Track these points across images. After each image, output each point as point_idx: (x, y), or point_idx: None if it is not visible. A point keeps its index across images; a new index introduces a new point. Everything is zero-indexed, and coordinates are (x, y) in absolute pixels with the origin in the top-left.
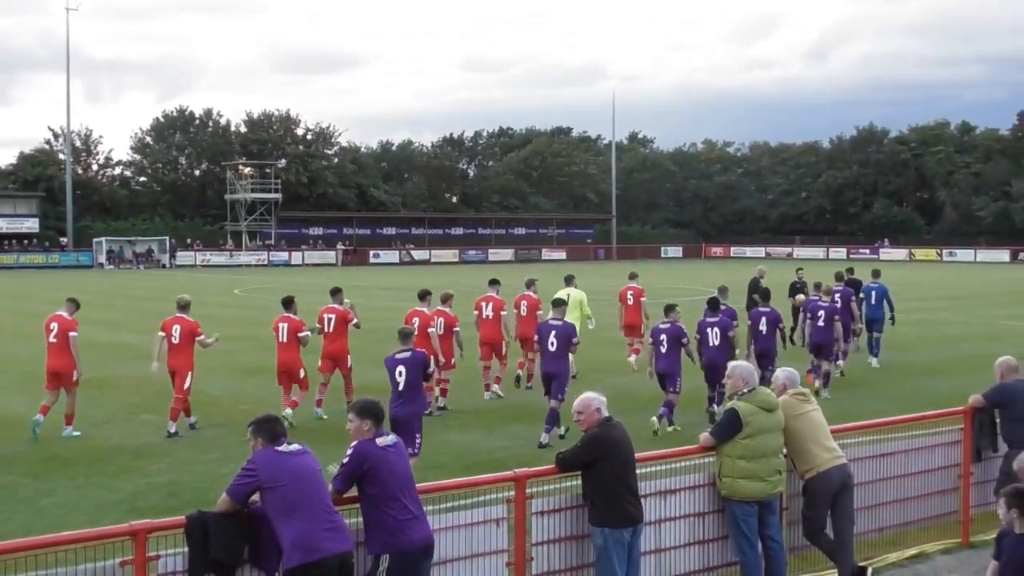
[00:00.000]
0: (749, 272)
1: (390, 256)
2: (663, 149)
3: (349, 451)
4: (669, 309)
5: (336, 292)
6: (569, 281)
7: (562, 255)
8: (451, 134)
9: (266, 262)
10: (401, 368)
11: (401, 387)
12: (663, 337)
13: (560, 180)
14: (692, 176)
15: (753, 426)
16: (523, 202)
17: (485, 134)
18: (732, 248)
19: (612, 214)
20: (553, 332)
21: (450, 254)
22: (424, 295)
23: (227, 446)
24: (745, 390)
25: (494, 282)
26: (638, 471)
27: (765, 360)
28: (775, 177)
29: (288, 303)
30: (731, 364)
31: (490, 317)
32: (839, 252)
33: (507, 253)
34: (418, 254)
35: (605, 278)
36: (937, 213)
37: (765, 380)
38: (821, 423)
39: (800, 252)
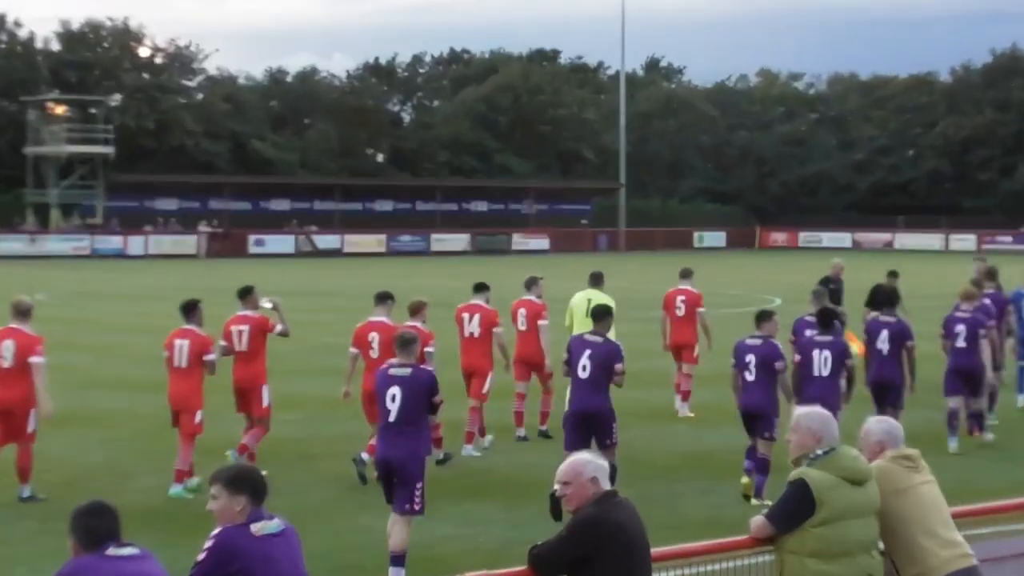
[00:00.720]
0: (824, 269)
1: (281, 243)
2: (697, 84)
3: (208, 542)
4: (763, 318)
5: (247, 293)
6: (596, 281)
7: (543, 243)
8: (376, 59)
9: (88, 251)
10: (395, 390)
11: (393, 417)
12: (751, 359)
13: (542, 130)
14: (741, 124)
15: (832, 507)
16: (485, 163)
17: (428, 59)
18: (801, 233)
19: (620, 182)
20: (588, 352)
21: (373, 241)
22: (384, 298)
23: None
24: (819, 451)
25: (481, 288)
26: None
27: (889, 394)
28: (867, 126)
29: (190, 309)
30: (797, 412)
31: (476, 335)
32: (965, 240)
33: (460, 240)
34: (324, 240)
35: (611, 280)
36: None
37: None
38: (937, 503)
39: (905, 240)
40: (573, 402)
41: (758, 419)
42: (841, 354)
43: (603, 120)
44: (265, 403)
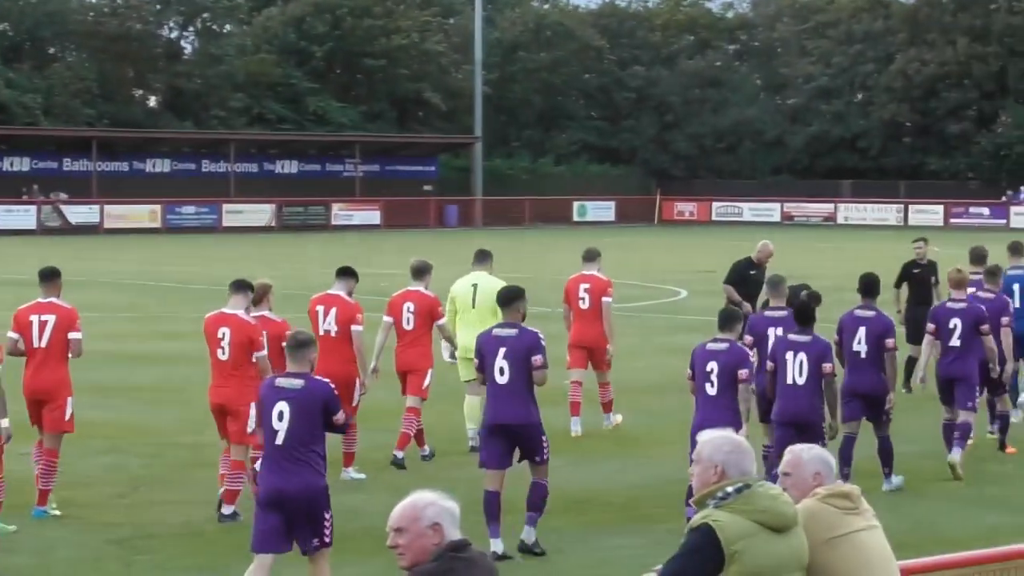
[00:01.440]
0: (743, 251)
1: (17, 216)
2: (579, 5)
3: None
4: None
5: (49, 277)
6: (483, 260)
7: (373, 216)
8: None
9: None
10: (283, 407)
11: (281, 440)
12: (712, 367)
13: (371, 65)
14: (636, 59)
15: (746, 561)
16: (295, 110)
17: None
18: (715, 203)
19: (476, 135)
20: (503, 350)
21: (144, 213)
22: (242, 287)
23: None
24: (729, 488)
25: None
26: None
27: (874, 410)
28: (803, 62)
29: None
30: (701, 438)
31: (332, 333)
32: (929, 212)
33: (261, 212)
34: (76, 212)
35: (461, 267)
36: None
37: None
38: (881, 554)
39: (852, 212)
40: (491, 413)
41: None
42: (820, 357)
43: (453, 53)
44: (67, 413)
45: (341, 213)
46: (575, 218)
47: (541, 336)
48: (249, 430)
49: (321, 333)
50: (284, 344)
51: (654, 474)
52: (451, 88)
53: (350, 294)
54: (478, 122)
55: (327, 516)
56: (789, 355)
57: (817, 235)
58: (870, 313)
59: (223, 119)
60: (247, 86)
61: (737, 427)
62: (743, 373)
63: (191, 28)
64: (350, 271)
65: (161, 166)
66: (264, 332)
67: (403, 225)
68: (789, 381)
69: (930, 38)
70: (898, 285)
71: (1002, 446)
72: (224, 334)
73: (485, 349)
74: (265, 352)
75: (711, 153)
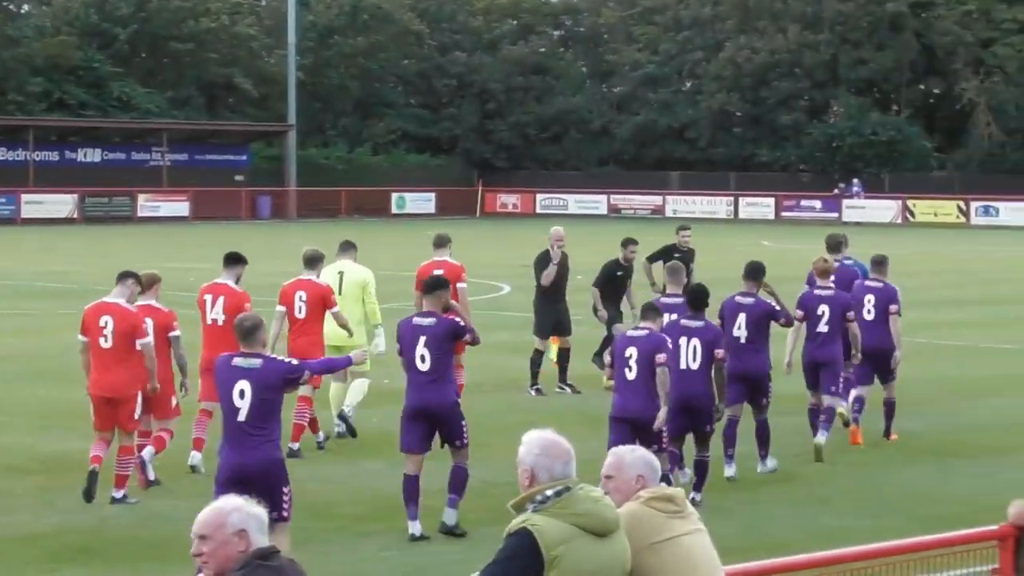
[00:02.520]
0: (567, 244)
1: None
2: None
3: None
4: (649, 310)
5: None
6: (347, 250)
7: (181, 207)
8: None
9: None
10: (244, 385)
11: (243, 416)
12: (632, 353)
13: (178, 49)
14: (457, 44)
15: (566, 567)
16: (98, 95)
17: None
18: (539, 196)
19: (289, 122)
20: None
21: None
22: (124, 277)
23: None
24: (548, 491)
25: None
26: None
27: (755, 394)
28: (630, 50)
29: None
30: (526, 438)
31: (219, 322)
32: (760, 205)
33: (62, 204)
34: None
35: (275, 261)
36: (959, 129)
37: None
38: (706, 559)
39: (681, 205)
40: (413, 398)
41: (641, 428)
42: (712, 343)
43: (265, 36)
44: None
45: (147, 204)
46: (394, 210)
47: (460, 323)
48: (136, 416)
49: (208, 322)
50: (234, 331)
51: (473, 476)
52: (263, 73)
53: (237, 281)
54: (292, 109)
55: (285, 490)
56: (683, 340)
57: (645, 228)
58: (750, 300)
59: (21, 104)
60: (46, 70)
61: (656, 410)
62: (660, 358)
63: None
64: (238, 257)
65: None
66: (150, 320)
67: (213, 217)
68: (683, 366)
69: (761, 25)
70: (653, 260)
71: (887, 433)
72: (106, 323)
73: (405, 337)
74: (150, 339)
75: (535, 143)
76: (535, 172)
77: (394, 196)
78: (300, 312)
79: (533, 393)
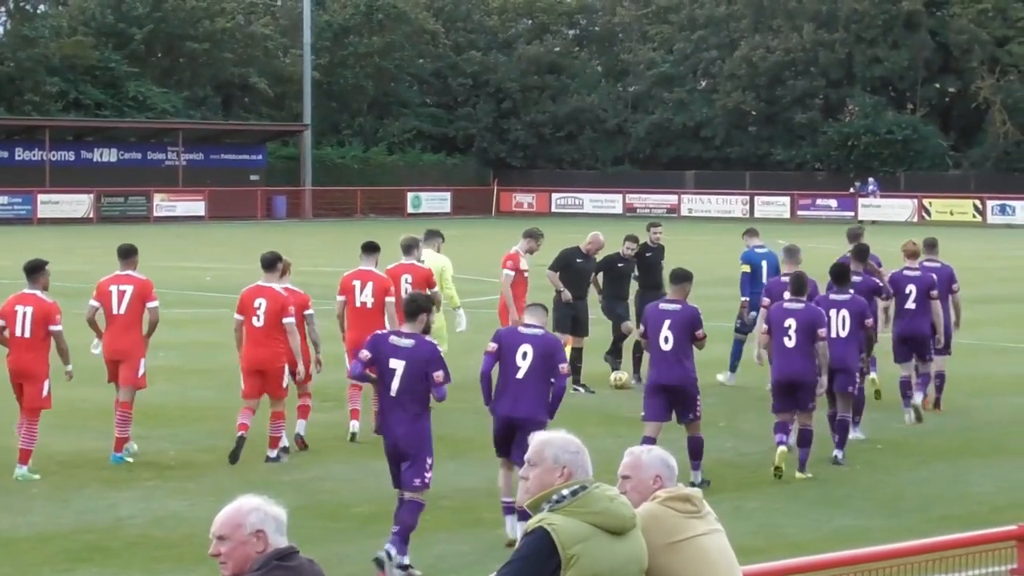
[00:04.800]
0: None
1: None
2: None
3: None
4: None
5: (127, 254)
6: (431, 239)
7: (197, 207)
8: None
9: None
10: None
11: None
12: (791, 323)
13: (193, 49)
14: (472, 44)
15: (584, 565)
16: (114, 95)
17: None
18: (555, 195)
19: (305, 122)
20: (668, 321)
21: None
22: (273, 263)
23: None
24: (565, 491)
25: (371, 248)
26: None
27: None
28: (645, 49)
29: (35, 270)
30: (537, 438)
31: (368, 305)
32: (775, 204)
33: (79, 203)
34: None
35: (296, 259)
36: (974, 127)
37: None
38: (724, 558)
39: (696, 204)
40: (657, 373)
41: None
42: (862, 313)
43: (281, 36)
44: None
45: (163, 204)
46: (409, 210)
47: (698, 310)
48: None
49: (357, 305)
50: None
51: (488, 476)
52: (279, 73)
53: (376, 267)
54: (307, 109)
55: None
56: (832, 312)
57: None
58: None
59: (37, 104)
60: (63, 70)
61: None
62: (822, 332)
63: (2, 8)
64: (375, 246)
65: None
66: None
67: (229, 217)
68: (833, 335)
69: (775, 24)
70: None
71: (937, 403)
72: (260, 304)
73: (652, 318)
74: (293, 319)
75: (550, 142)
76: (550, 171)
77: (409, 195)
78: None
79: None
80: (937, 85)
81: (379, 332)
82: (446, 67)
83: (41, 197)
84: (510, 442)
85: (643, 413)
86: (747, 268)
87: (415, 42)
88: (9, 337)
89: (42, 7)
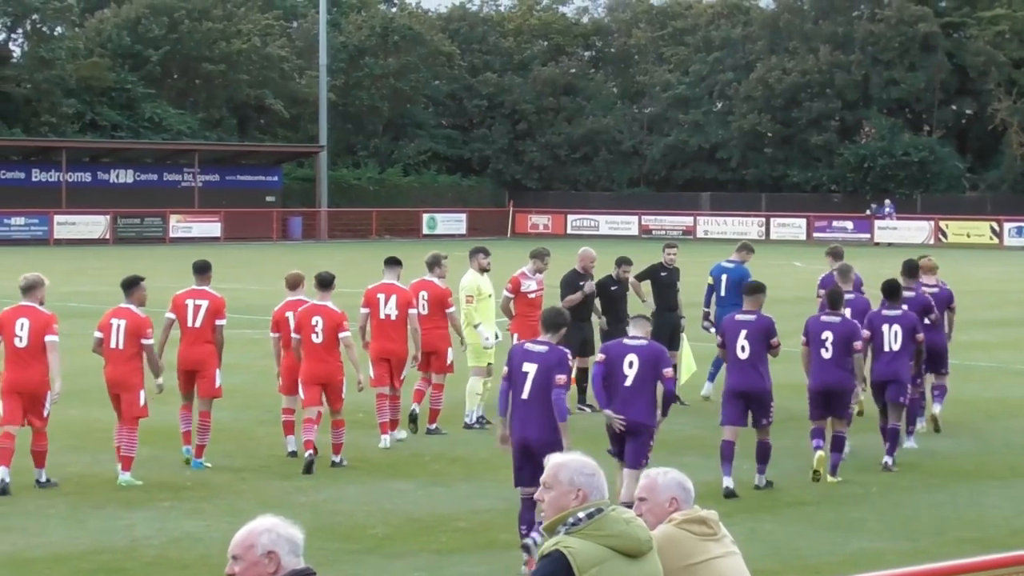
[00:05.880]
0: (601, 266)
1: None
2: (429, 8)
3: None
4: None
5: (203, 270)
6: (476, 257)
7: (213, 228)
8: None
9: None
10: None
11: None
12: (828, 336)
13: (209, 70)
14: (488, 65)
15: None
16: (130, 116)
17: None
18: (570, 216)
19: (320, 143)
20: (744, 332)
21: None
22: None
23: None
24: (581, 513)
25: (393, 262)
26: None
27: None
28: (660, 71)
29: (131, 286)
30: (553, 461)
31: (392, 317)
32: (791, 226)
33: (95, 224)
34: None
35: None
36: (991, 149)
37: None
38: None
39: (712, 225)
40: (734, 380)
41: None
42: (913, 328)
43: (296, 58)
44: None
45: (179, 225)
46: (424, 231)
47: (772, 319)
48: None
49: (382, 317)
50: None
51: (504, 497)
52: (294, 95)
53: (399, 280)
54: (323, 130)
55: None
56: (884, 327)
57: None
58: (751, 316)
59: (54, 126)
60: (79, 91)
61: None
62: (858, 345)
63: (19, 30)
64: (397, 260)
65: None
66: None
67: (245, 237)
68: (886, 348)
69: (791, 46)
70: (641, 279)
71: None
72: (317, 322)
73: (729, 329)
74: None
75: (566, 164)
76: (566, 193)
77: (425, 217)
78: (423, 309)
79: (587, 410)
80: (954, 107)
81: (516, 343)
82: (461, 89)
83: (58, 218)
84: (624, 445)
85: (721, 418)
86: (710, 280)
87: (430, 64)
88: (105, 350)
89: (59, 29)
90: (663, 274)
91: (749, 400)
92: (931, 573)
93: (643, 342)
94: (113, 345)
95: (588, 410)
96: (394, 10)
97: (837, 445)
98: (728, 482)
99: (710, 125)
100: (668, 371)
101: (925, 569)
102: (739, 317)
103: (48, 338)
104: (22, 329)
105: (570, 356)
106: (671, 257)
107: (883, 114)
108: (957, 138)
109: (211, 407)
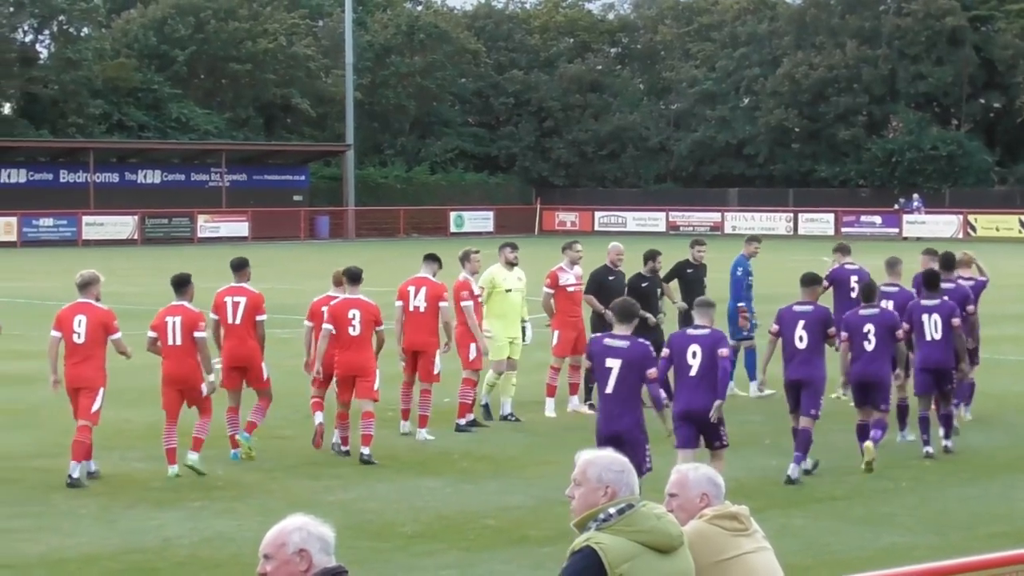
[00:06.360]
0: (629, 262)
1: None
2: (454, 7)
3: None
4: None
5: (240, 267)
6: (503, 251)
7: (241, 227)
8: None
9: None
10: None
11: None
12: (869, 328)
13: (236, 70)
14: (514, 62)
15: None
16: (157, 116)
17: None
18: (597, 213)
19: (347, 142)
20: (802, 322)
21: None
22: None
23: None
24: (611, 509)
25: (431, 258)
26: None
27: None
28: (687, 67)
29: (182, 284)
30: (583, 457)
31: (420, 309)
32: (819, 221)
33: (123, 225)
34: None
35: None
36: (1020, 142)
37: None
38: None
39: (740, 221)
40: (790, 369)
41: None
42: (951, 314)
43: (322, 57)
44: (265, 375)
45: (207, 225)
46: (452, 229)
47: (829, 310)
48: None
49: (411, 309)
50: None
51: (534, 495)
52: (321, 93)
53: (434, 275)
54: (349, 129)
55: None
56: (925, 316)
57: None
58: (808, 307)
59: (81, 127)
60: (106, 92)
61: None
62: (900, 334)
63: (46, 31)
64: (434, 256)
65: (16, 176)
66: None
67: (272, 237)
68: (928, 337)
69: (818, 41)
70: (668, 279)
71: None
72: (354, 315)
73: (786, 320)
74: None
75: (593, 160)
76: (593, 190)
77: (452, 215)
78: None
79: (587, 409)
80: (982, 100)
81: (594, 336)
82: (488, 86)
83: (86, 219)
84: (694, 431)
85: (788, 407)
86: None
87: (457, 62)
88: (163, 347)
89: (85, 30)
90: (689, 271)
91: (804, 388)
92: (962, 567)
93: (705, 331)
94: (171, 342)
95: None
96: (420, 8)
97: (879, 424)
98: (803, 466)
99: (737, 121)
100: (724, 351)
101: (956, 563)
102: (797, 308)
103: (112, 337)
104: (80, 325)
105: (651, 346)
106: (700, 253)
107: (911, 108)
108: (985, 132)
109: (264, 395)
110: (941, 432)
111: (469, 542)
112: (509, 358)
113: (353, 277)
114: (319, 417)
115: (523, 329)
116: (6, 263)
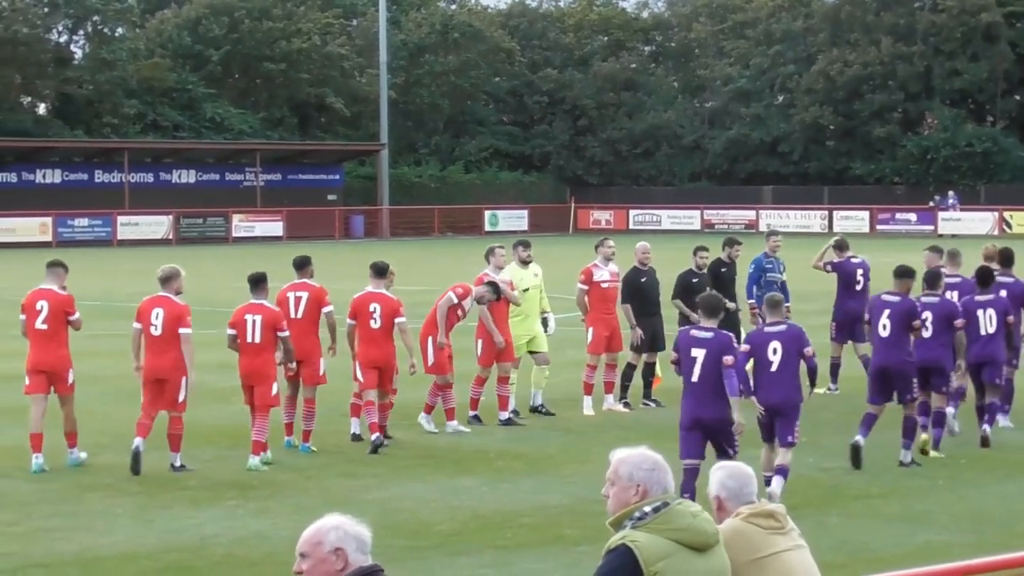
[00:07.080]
0: (663, 260)
1: None
2: (488, 5)
3: None
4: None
5: (259, 283)
6: (516, 250)
7: (276, 227)
8: None
9: None
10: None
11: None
12: (927, 316)
13: (270, 70)
14: (548, 61)
15: None
16: (192, 116)
17: None
18: (632, 211)
19: (382, 141)
20: (887, 311)
21: (34, 226)
22: (385, 270)
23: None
24: (647, 508)
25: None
26: None
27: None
28: (721, 64)
29: (259, 283)
30: (616, 456)
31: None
32: (854, 218)
33: (158, 224)
34: None
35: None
36: None
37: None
38: (807, 574)
39: (774, 219)
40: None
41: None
42: (1006, 311)
43: (356, 56)
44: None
45: (242, 224)
46: (486, 228)
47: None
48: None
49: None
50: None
51: (570, 493)
52: (355, 93)
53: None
54: (384, 128)
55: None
56: (980, 312)
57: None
58: (896, 298)
59: (116, 127)
60: (141, 92)
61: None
62: (959, 322)
63: (81, 32)
64: (382, 268)
65: (51, 176)
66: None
67: (307, 236)
68: (983, 332)
69: (852, 38)
70: (676, 296)
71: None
72: (375, 308)
73: (875, 309)
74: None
75: (627, 159)
76: (627, 188)
77: (487, 213)
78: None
79: (622, 407)
80: (1017, 97)
81: (682, 328)
82: (522, 85)
83: (121, 219)
84: (774, 424)
85: (867, 397)
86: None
87: (491, 60)
88: (241, 344)
89: (120, 30)
90: (723, 270)
91: (891, 377)
92: (999, 564)
93: (783, 328)
94: (250, 340)
95: (652, 405)
96: (454, 7)
97: (938, 420)
98: (859, 440)
99: (772, 118)
100: (809, 349)
101: (993, 561)
102: (885, 297)
103: (182, 331)
104: (157, 318)
105: (734, 338)
106: (736, 253)
107: (946, 105)
108: (1021, 128)
109: (315, 394)
110: (985, 418)
111: (505, 541)
112: (539, 352)
113: (379, 271)
114: (354, 425)
115: (545, 321)
116: (41, 263)
